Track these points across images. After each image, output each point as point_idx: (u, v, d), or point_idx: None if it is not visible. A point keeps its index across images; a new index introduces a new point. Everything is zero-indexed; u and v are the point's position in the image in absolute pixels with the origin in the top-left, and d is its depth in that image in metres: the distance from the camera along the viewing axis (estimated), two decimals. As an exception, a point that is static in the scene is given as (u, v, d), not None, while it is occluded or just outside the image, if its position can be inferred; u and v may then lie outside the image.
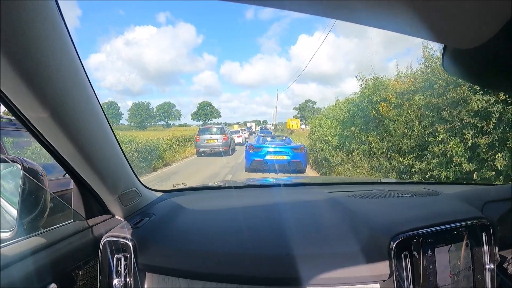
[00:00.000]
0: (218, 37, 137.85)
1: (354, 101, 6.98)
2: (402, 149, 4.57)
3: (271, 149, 7.07)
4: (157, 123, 58.35)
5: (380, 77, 6.01)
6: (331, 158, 7.24)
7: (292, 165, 6.92)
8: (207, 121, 55.78)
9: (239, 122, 59.91)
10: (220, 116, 62.03)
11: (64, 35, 0.51)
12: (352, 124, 6.49)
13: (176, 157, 11.61)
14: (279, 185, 1.49)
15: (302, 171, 7.21)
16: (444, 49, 0.39)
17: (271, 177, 3.11)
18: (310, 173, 8.00)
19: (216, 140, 11.45)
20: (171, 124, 57.95)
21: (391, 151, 4.95)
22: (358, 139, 5.99)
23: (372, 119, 5.67)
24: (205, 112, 59.24)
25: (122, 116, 56.88)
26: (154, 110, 58.98)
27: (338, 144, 7.24)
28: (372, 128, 5.73)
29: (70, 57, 0.53)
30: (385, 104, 5.14)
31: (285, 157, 6.96)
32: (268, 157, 6.90)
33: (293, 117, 37.09)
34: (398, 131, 4.66)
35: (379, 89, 5.57)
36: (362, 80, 6.28)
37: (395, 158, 4.73)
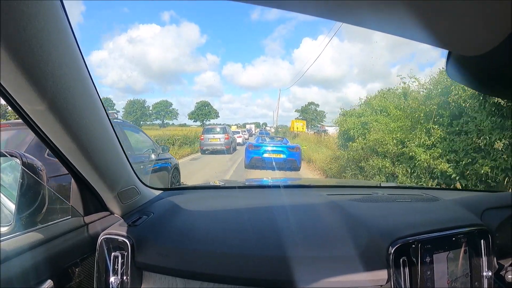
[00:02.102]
0: (222, 38, 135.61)
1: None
2: None
3: (269, 148, 7.67)
4: (153, 122, 56.66)
5: None
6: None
7: (287, 163, 7.53)
8: (204, 121, 55.06)
9: (238, 124, 58.91)
10: (219, 117, 60.67)
11: (66, 31, 0.50)
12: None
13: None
14: (278, 186, 1.49)
15: (297, 169, 7.77)
16: (449, 55, 0.39)
17: (271, 178, 3.14)
18: (308, 173, 8.15)
19: (218, 139, 12.10)
20: (170, 123, 56.72)
21: None
22: None
23: None
24: (203, 111, 58.13)
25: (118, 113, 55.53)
26: (150, 108, 57.29)
27: (451, 168, 3.51)
28: None
29: (72, 53, 0.53)
30: None
31: (281, 156, 7.58)
32: (266, 155, 7.49)
33: (295, 119, 30.40)
34: None
35: None
36: None
37: None
